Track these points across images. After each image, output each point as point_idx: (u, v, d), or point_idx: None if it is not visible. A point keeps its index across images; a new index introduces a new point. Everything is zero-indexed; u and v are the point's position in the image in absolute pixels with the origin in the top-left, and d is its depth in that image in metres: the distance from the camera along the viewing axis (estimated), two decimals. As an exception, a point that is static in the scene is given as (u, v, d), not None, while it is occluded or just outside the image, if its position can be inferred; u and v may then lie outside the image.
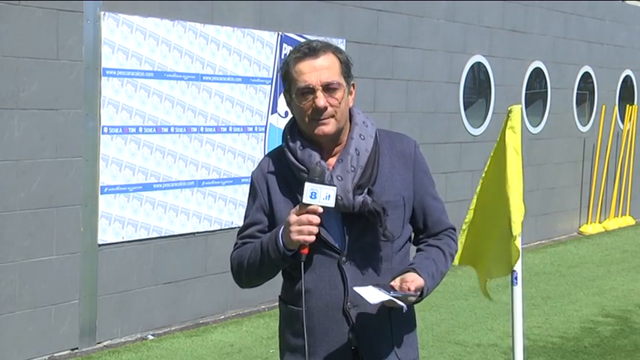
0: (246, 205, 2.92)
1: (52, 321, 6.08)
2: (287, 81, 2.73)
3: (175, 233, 6.86)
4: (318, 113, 2.66)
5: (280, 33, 7.56)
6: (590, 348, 6.50)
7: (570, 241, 11.44)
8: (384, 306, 2.64)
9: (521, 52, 10.69)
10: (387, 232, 2.69)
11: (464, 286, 8.42)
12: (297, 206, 2.61)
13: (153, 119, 6.61)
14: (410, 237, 2.86)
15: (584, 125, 12.13)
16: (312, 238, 2.59)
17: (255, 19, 7.38)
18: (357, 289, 2.61)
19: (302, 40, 7.74)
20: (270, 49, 7.50)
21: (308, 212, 2.57)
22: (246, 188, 8.09)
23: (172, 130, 6.77)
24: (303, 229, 2.57)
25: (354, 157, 2.69)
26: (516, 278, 4.07)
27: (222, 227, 7.20)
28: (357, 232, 2.71)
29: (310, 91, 2.65)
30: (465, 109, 9.86)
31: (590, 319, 7.31)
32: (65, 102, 6.07)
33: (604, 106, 12.27)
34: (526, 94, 10.87)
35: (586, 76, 12.11)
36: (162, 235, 6.76)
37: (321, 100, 2.65)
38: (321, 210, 2.58)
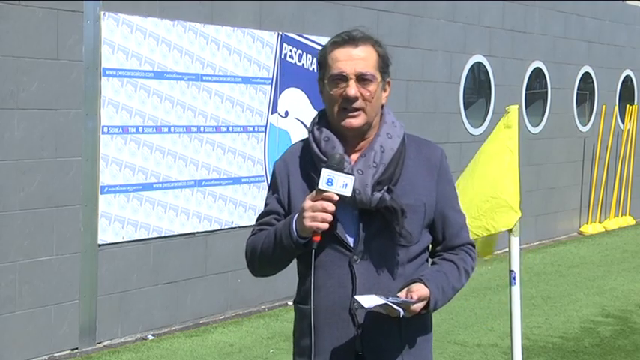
0: (266, 193, 2.85)
1: (52, 321, 6.08)
2: (322, 68, 2.69)
3: (175, 233, 6.86)
4: (348, 102, 2.61)
5: (280, 33, 7.56)
6: (590, 348, 6.50)
7: (570, 241, 11.44)
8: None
9: (521, 52, 10.69)
10: (405, 232, 2.62)
11: (464, 286, 8.41)
12: (313, 192, 2.55)
13: (153, 119, 6.61)
14: (427, 247, 2.77)
15: (584, 125, 12.13)
16: (326, 225, 2.53)
17: (255, 19, 7.38)
18: (357, 296, 2.54)
19: (302, 40, 7.74)
20: (270, 49, 7.50)
21: (323, 199, 2.51)
22: (246, 188, 8.11)
23: (172, 130, 6.77)
24: (316, 215, 2.51)
25: (378, 153, 2.64)
26: (514, 278, 4.07)
27: (222, 227, 7.20)
28: (373, 231, 2.63)
29: (343, 78, 2.61)
30: (465, 109, 9.86)
31: (590, 319, 7.31)
32: (65, 102, 6.07)
33: (604, 106, 12.26)
34: (526, 94, 10.87)
35: (586, 76, 12.11)
36: (162, 235, 6.76)
37: (353, 89, 2.59)
38: (336, 198, 2.52)
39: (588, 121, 12.24)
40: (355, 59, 2.61)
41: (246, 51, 7.29)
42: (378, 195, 2.60)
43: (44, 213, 5.99)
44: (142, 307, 6.66)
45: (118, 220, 6.42)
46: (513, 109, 4.08)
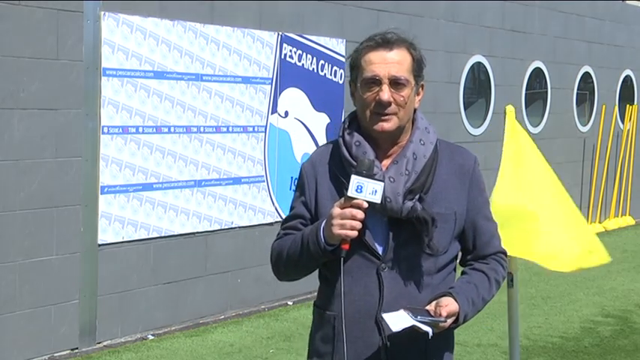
0: (293, 195, 2.78)
1: (52, 321, 6.08)
2: (354, 70, 2.62)
3: (175, 233, 6.86)
4: (381, 107, 2.55)
5: (280, 33, 7.56)
6: (590, 348, 6.50)
7: (570, 241, 11.41)
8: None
9: (521, 52, 10.69)
10: (432, 243, 2.56)
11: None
12: (342, 199, 2.49)
13: (153, 119, 6.61)
14: (457, 256, 2.72)
15: (584, 125, 12.13)
16: (355, 233, 2.47)
17: (255, 19, 7.38)
18: (385, 315, 2.48)
19: (302, 40, 7.74)
20: (270, 49, 7.50)
21: (352, 206, 2.45)
22: (246, 188, 8.10)
23: (172, 130, 6.77)
24: (345, 223, 2.45)
25: (411, 160, 2.58)
26: (512, 280, 4.05)
27: (222, 227, 7.20)
28: (402, 240, 2.58)
29: (376, 82, 2.55)
30: (465, 109, 9.86)
31: (590, 319, 7.31)
32: (65, 102, 6.07)
33: (604, 106, 12.27)
34: (526, 94, 10.87)
35: (586, 76, 12.11)
36: (162, 235, 6.76)
37: (386, 93, 2.54)
38: (366, 205, 2.46)
39: (588, 121, 12.24)
40: (389, 63, 2.55)
41: (246, 51, 7.29)
42: (409, 204, 2.55)
43: (44, 213, 5.99)
44: (142, 307, 6.66)
45: (118, 220, 6.42)
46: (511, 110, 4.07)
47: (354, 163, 2.55)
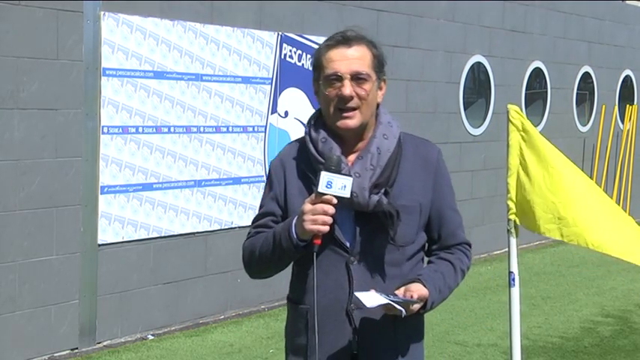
0: (262, 193, 2.85)
1: (52, 321, 6.08)
2: (316, 69, 2.70)
3: (175, 233, 6.86)
4: (343, 102, 2.62)
5: (280, 33, 7.56)
6: (590, 348, 6.50)
7: (570, 241, 11.41)
8: (388, 314, 2.59)
9: (521, 52, 10.69)
10: (397, 236, 2.63)
11: (464, 286, 8.39)
12: (312, 195, 2.55)
13: (153, 119, 6.62)
14: (424, 245, 2.80)
15: (584, 125, 12.13)
16: (326, 228, 2.54)
17: (255, 19, 7.38)
18: (357, 293, 2.54)
19: (302, 40, 7.74)
20: (270, 49, 7.50)
21: (323, 202, 2.52)
22: (246, 188, 8.10)
23: (172, 130, 6.77)
24: (317, 218, 2.52)
25: (375, 155, 2.65)
26: (514, 280, 4.05)
27: (222, 227, 7.20)
28: (369, 233, 2.65)
29: (338, 78, 2.62)
30: (465, 109, 9.86)
31: (590, 319, 7.31)
32: (65, 102, 6.07)
33: (604, 106, 12.27)
34: (526, 94, 10.87)
35: (586, 76, 12.11)
36: (162, 235, 6.76)
37: (347, 88, 2.60)
38: (335, 200, 2.53)
39: (588, 121, 12.24)
40: (349, 59, 2.63)
41: (246, 51, 7.29)
42: (375, 198, 2.61)
43: (44, 213, 5.99)
44: (142, 307, 6.66)
45: (118, 220, 6.42)
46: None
47: (321, 159, 2.62)
